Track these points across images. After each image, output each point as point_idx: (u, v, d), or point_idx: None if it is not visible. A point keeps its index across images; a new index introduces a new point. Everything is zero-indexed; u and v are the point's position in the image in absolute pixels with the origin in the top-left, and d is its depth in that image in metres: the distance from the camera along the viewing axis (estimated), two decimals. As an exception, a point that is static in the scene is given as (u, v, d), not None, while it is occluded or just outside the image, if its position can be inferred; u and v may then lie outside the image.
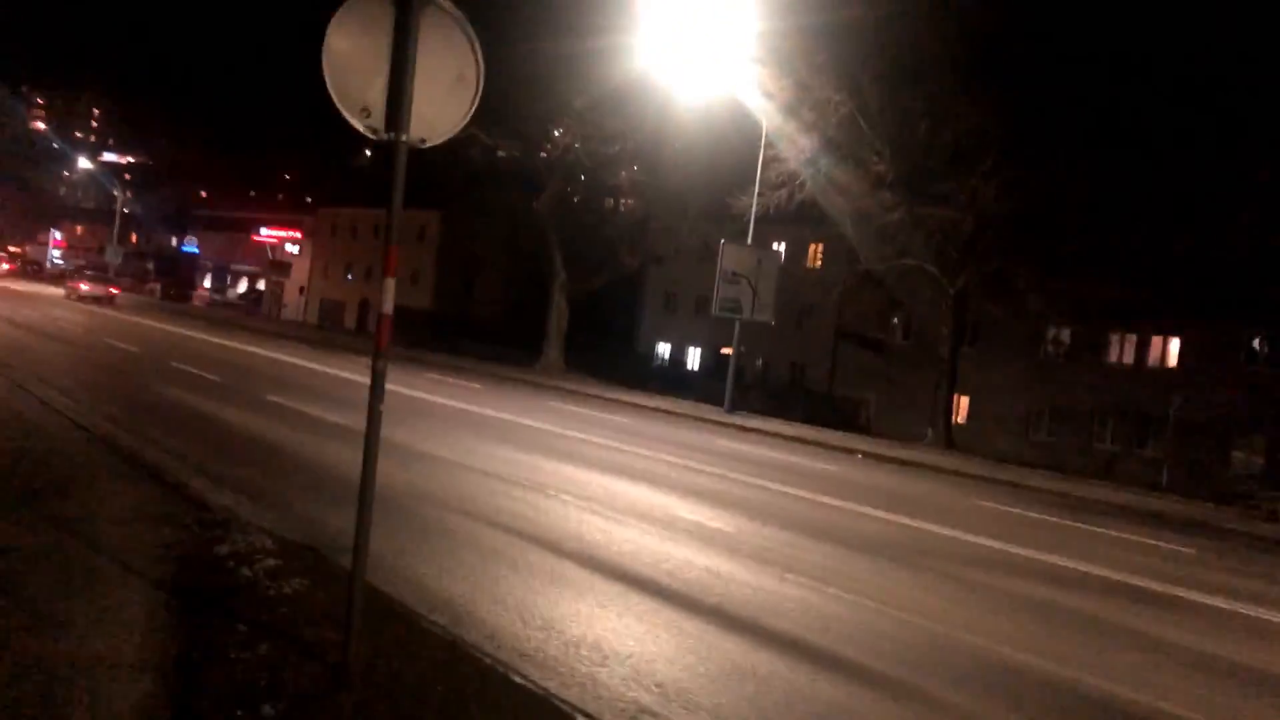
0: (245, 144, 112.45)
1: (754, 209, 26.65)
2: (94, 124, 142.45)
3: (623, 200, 34.14)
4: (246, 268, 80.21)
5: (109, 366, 20.93)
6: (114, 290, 54.11)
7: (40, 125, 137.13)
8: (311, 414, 16.42)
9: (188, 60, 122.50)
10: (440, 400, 21.94)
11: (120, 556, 6.40)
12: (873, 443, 25.38)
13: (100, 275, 57.87)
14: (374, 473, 4.86)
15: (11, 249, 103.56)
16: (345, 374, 25.93)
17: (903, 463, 21.70)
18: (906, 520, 13.39)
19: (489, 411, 20.67)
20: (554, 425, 19.66)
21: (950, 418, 27.28)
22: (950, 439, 26.74)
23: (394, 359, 27.19)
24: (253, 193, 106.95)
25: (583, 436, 18.38)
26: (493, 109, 32.61)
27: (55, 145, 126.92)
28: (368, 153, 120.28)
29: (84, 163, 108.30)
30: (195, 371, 21.03)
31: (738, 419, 26.97)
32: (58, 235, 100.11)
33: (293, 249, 71.98)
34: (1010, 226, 22.47)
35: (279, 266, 67.79)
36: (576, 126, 30.12)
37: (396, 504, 10.26)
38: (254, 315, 70.15)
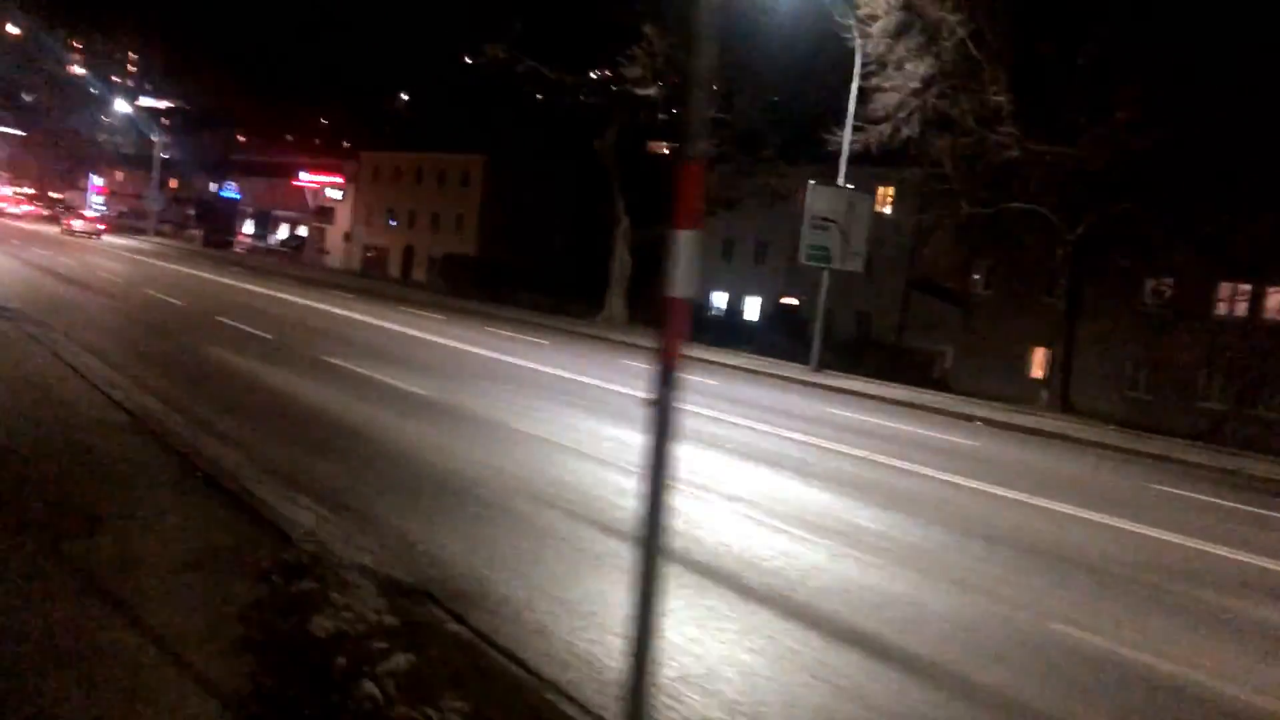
0: (283, 88, 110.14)
1: (845, 146, 24.03)
2: (131, 68, 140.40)
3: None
4: (287, 213, 78.33)
5: (152, 323, 18.98)
6: (101, 226, 62.10)
7: (77, 70, 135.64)
8: (377, 380, 14.34)
9: (224, 3, 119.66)
10: (508, 359, 19.83)
11: (172, 646, 4.30)
12: (980, 405, 22.98)
13: (89, 213, 67.67)
14: (655, 602, 2.69)
15: (52, 195, 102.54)
16: (404, 328, 23.89)
17: (1028, 431, 19.32)
18: (1090, 515, 11.09)
19: (563, 373, 18.54)
20: (634, 389, 17.50)
21: (1068, 377, 24.75)
22: (1067, 400, 24.26)
23: (445, 309, 24.93)
24: (290, 137, 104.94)
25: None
26: (554, 37, 30.17)
27: (93, 90, 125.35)
28: (404, 96, 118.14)
29: (122, 107, 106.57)
30: (244, 328, 19.04)
31: (826, 378, 24.66)
32: (97, 181, 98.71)
33: (335, 194, 69.86)
34: (1149, 164, 19.75)
35: (322, 212, 65.80)
36: (645, 56, 27.51)
37: (489, 499, 8.18)
38: (296, 262, 68.43)
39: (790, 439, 14.09)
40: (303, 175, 71.05)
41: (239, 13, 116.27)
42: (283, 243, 78.40)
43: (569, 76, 30.13)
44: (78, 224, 60.40)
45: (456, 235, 60.89)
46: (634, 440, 11.82)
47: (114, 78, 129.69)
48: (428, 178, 63.64)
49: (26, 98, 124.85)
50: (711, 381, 20.94)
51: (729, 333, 43.21)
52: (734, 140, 29.54)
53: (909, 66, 21.27)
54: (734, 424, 14.75)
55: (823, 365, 25.86)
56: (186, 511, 6.48)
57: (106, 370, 11.97)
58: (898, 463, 13.12)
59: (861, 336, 44.68)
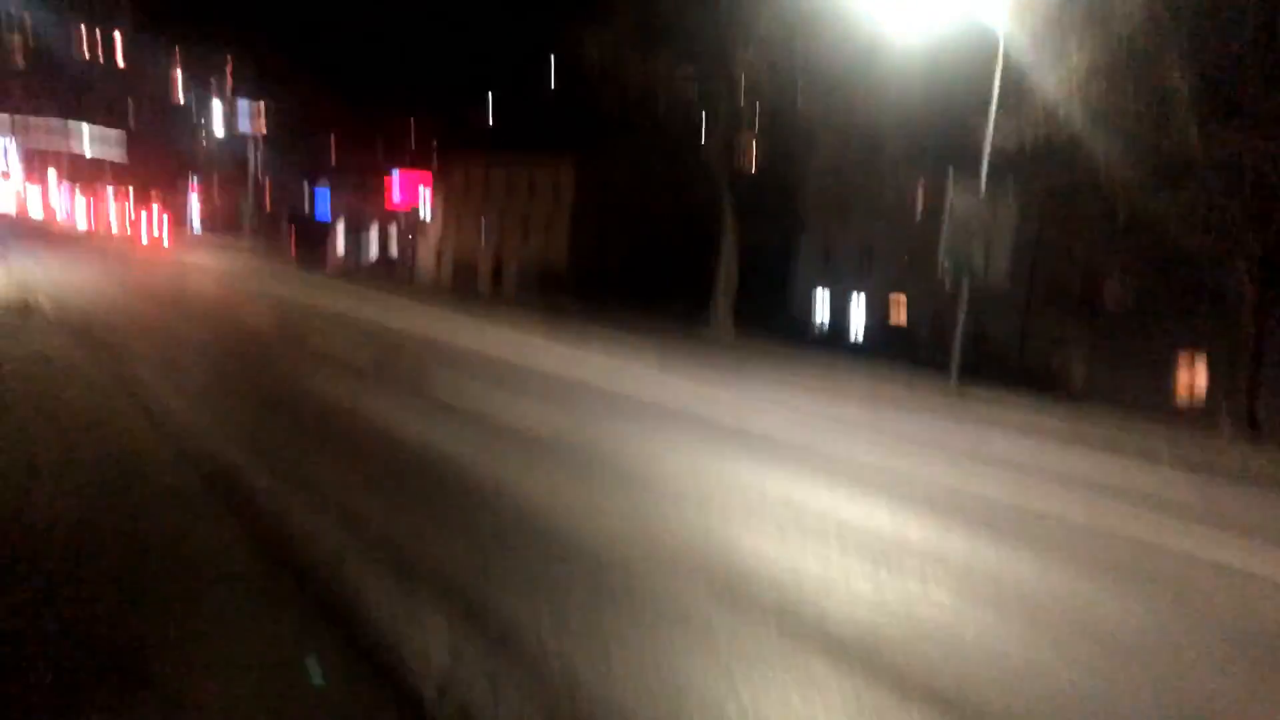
0: (373, 100, 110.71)
1: (988, 146, 21.48)
2: (230, 82, 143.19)
3: (809, 140, 29.09)
4: (377, 222, 78.11)
5: (239, 348, 17.47)
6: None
7: (179, 82, 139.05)
8: (488, 414, 12.44)
9: (318, 17, 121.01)
10: (621, 383, 17.83)
11: None
12: (1151, 432, 20.14)
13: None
14: None
15: (154, 204, 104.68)
16: (505, 347, 22.10)
17: (1218, 471, 16.54)
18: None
19: (685, 400, 16.46)
20: (772, 416, 15.31)
21: (1255, 393, 21.66)
22: (1255, 423, 21.21)
23: (544, 324, 22.93)
24: (381, 147, 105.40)
25: (822, 440, 14.00)
26: (662, 27, 28.17)
27: (194, 102, 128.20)
28: (489, 103, 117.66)
29: (221, 118, 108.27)
30: (339, 353, 17.41)
31: (967, 398, 22.11)
32: (194, 190, 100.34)
33: (425, 205, 69.23)
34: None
35: (414, 223, 65.04)
36: (762, 50, 25.29)
37: (662, 595, 6.11)
38: (385, 272, 67.88)
39: (959, 481, 11.74)
40: (393, 184, 70.54)
41: (332, 25, 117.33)
42: (374, 258, 78.19)
43: (676, 72, 28.06)
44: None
45: (546, 243, 59.47)
46: (809, 497, 9.64)
47: (214, 91, 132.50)
48: (517, 185, 62.40)
49: (132, 110, 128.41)
50: (849, 409, 18.63)
51: (835, 343, 40.78)
52: (854, 140, 27.15)
53: (1073, 56, 18.66)
54: (891, 462, 12.45)
55: (925, 371, 23.30)
56: (271, 642, 4.53)
57: (184, 407, 10.29)
58: (1098, 516, 10.67)
59: (976, 346, 41.72)
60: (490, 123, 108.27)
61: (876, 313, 46.30)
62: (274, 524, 6.32)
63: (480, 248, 64.40)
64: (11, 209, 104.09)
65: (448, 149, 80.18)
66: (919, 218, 43.23)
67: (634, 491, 9.26)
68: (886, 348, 39.51)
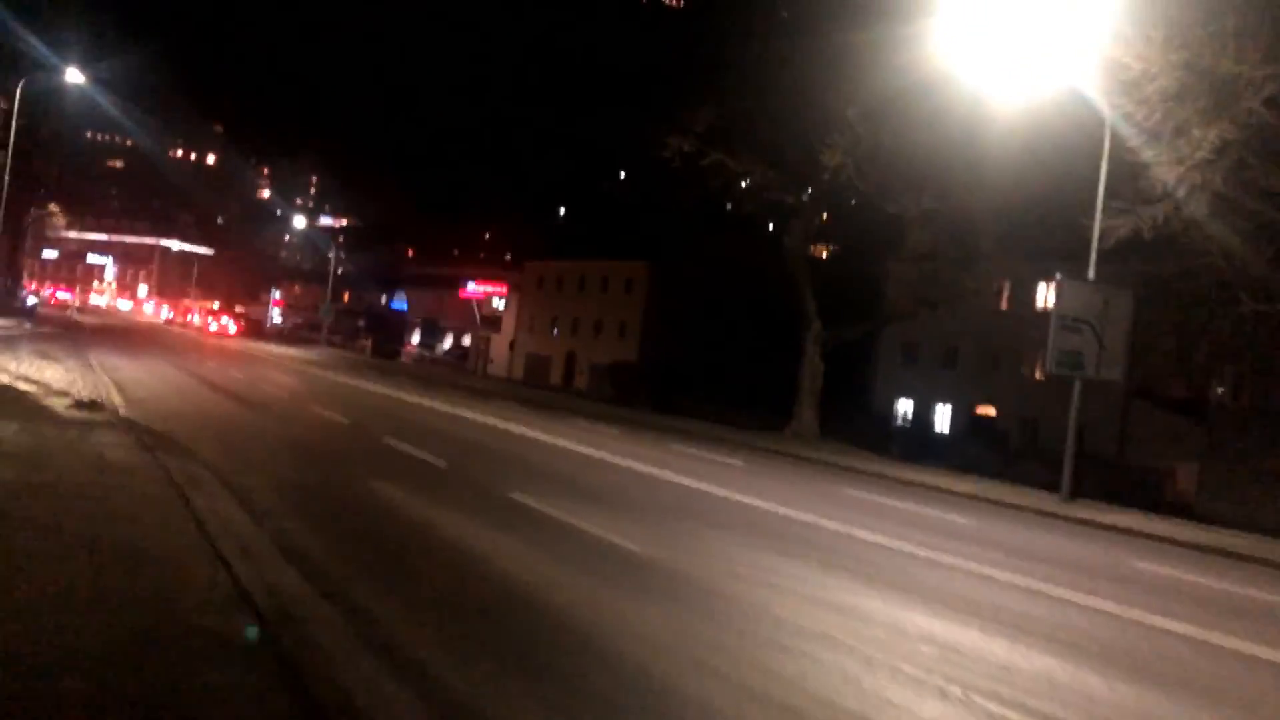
0: (449, 205, 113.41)
1: (1096, 233, 20.03)
2: (312, 190, 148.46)
3: (899, 231, 27.86)
4: (453, 323, 78.65)
5: (311, 448, 16.52)
6: (234, 328, 75.23)
7: (265, 194, 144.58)
8: (571, 525, 11.13)
9: (397, 132, 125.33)
10: (706, 488, 16.42)
11: None
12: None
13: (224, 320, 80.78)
14: None
15: (238, 309, 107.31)
16: (581, 447, 20.89)
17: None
18: None
19: (777, 508, 14.97)
20: (873, 531, 13.71)
21: None
22: None
23: (619, 422, 21.47)
24: (456, 251, 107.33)
25: (926, 554, 12.36)
26: (743, 126, 27.52)
27: (277, 211, 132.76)
28: (561, 210, 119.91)
29: (301, 226, 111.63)
30: (413, 452, 16.35)
31: (1082, 510, 20.15)
32: (277, 295, 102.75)
33: (499, 304, 69.49)
34: None
35: (489, 322, 65.15)
36: (847, 141, 24.33)
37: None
38: (460, 371, 67.79)
39: (1104, 612, 9.99)
40: (469, 286, 71.08)
41: (409, 139, 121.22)
42: (447, 352, 78.50)
43: (758, 167, 27.23)
44: (214, 326, 77.83)
45: (619, 342, 58.85)
46: (958, 638, 8.04)
47: (296, 200, 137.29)
48: (590, 285, 62.27)
49: (219, 220, 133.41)
50: (959, 519, 16.89)
51: (918, 446, 38.69)
52: (945, 230, 25.85)
53: (1195, 133, 17.25)
54: (1018, 587, 10.76)
55: (1008, 477, 21.32)
56: None
57: (242, 521, 9.18)
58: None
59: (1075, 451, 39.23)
60: (563, 226, 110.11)
61: (964, 410, 44.23)
62: (340, 699, 5.04)
63: (553, 345, 64.09)
64: (107, 311, 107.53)
65: (522, 250, 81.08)
66: (1008, 311, 41.55)
67: (730, 624, 7.78)
68: (974, 448, 37.39)
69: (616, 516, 12.28)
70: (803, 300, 30.00)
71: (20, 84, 35.74)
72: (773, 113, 26.14)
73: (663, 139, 27.08)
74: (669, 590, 8.73)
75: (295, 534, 9.23)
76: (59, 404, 15.74)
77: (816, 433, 29.94)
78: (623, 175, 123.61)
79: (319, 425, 19.76)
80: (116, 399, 18.91)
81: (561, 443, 21.54)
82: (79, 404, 15.98)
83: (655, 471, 18.17)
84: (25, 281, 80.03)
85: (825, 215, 30.29)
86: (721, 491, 16.23)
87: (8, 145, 36.70)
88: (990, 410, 42.78)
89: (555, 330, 64.66)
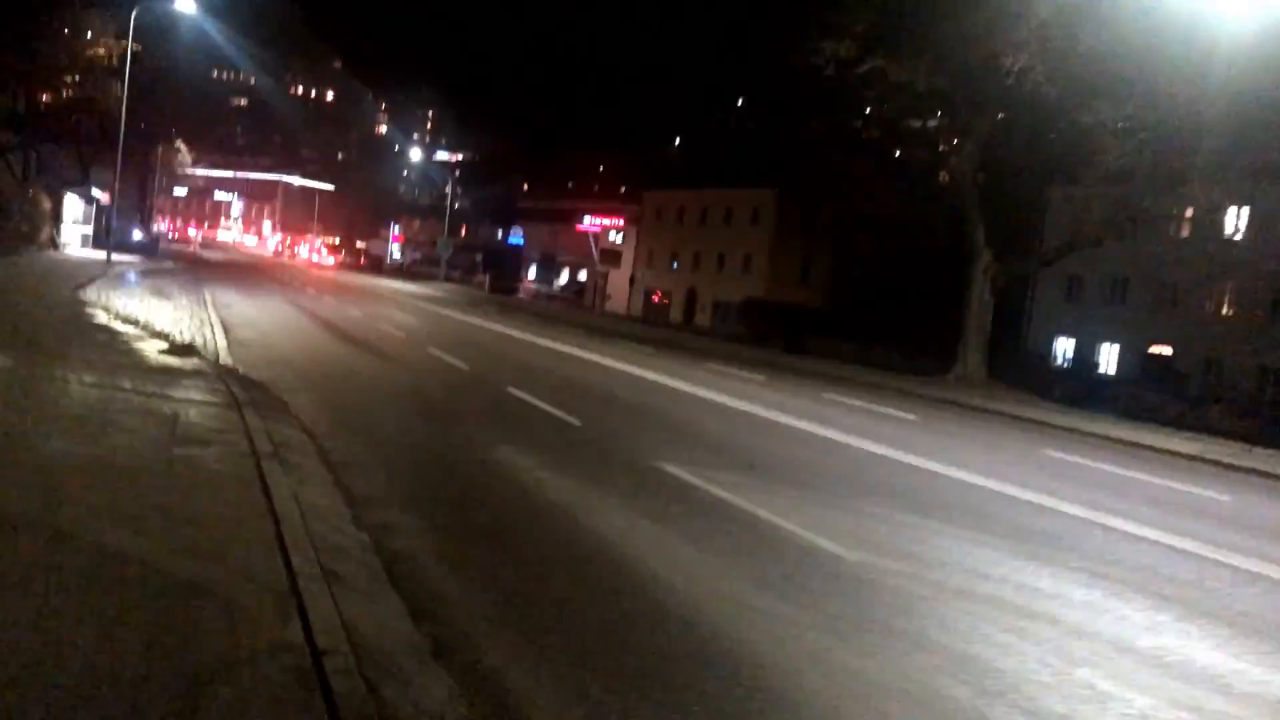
0: (564, 137, 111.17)
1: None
2: (428, 126, 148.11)
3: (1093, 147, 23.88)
4: (570, 258, 76.75)
5: (428, 402, 14.40)
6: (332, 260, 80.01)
7: (382, 129, 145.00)
8: (741, 509, 8.64)
9: (510, 65, 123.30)
10: (888, 452, 13.70)
11: None
12: None
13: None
14: None
15: (359, 244, 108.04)
16: (727, 397, 18.36)
17: None
18: None
19: (977, 479, 12.17)
20: (1113, 514, 10.80)
21: None
22: None
23: (760, 366, 17.84)
24: (570, 184, 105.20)
25: (1199, 550, 9.45)
26: (916, 28, 23.97)
27: (395, 147, 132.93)
28: (676, 141, 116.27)
29: (418, 161, 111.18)
30: (541, 406, 14.09)
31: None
32: (397, 230, 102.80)
33: (616, 238, 67.04)
34: None
35: (609, 256, 62.73)
36: (1036, 43, 20.64)
37: None
38: (577, 307, 65.97)
39: None
40: (586, 220, 68.74)
41: (522, 71, 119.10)
42: (564, 288, 76.82)
43: (922, 73, 23.68)
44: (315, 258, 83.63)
45: (743, 277, 55.75)
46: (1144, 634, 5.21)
47: (413, 135, 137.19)
48: (713, 217, 59.11)
49: (339, 156, 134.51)
50: (1211, 495, 13.75)
51: (1084, 389, 34.77)
52: (1148, 148, 21.96)
53: None
54: None
55: (1185, 426, 17.74)
56: None
57: (336, 517, 6.97)
58: None
59: (1267, 398, 34.75)
60: (678, 157, 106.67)
61: (1135, 350, 39.80)
62: None
63: (673, 280, 61.44)
64: (232, 245, 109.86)
65: (637, 183, 78.25)
66: (1189, 239, 36.86)
67: (1001, 685, 5.13)
68: (1150, 392, 33.28)
69: (794, 496, 9.74)
70: (971, 229, 26.47)
71: (134, 13, 34.48)
72: (945, 7, 22.50)
73: (814, 45, 23.76)
74: (915, 634, 6.12)
75: (403, 534, 6.97)
76: (151, 349, 13.97)
77: (985, 377, 26.68)
78: (740, 103, 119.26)
79: (437, 372, 17.72)
80: (220, 341, 17.22)
81: (702, 393, 19.03)
82: (174, 348, 14.20)
83: (818, 430, 15.51)
84: (157, 218, 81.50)
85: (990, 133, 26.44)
86: (906, 457, 13.48)
87: (124, 78, 35.70)
88: (1165, 350, 38.32)
89: (675, 265, 61.90)
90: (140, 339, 14.99)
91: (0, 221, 34.04)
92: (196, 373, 12.38)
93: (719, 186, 58.54)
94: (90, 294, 21.97)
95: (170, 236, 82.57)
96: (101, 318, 17.20)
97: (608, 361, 23.04)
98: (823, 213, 52.48)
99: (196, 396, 10.59)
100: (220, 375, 12.47)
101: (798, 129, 42.63)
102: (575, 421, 12.96)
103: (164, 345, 14.48)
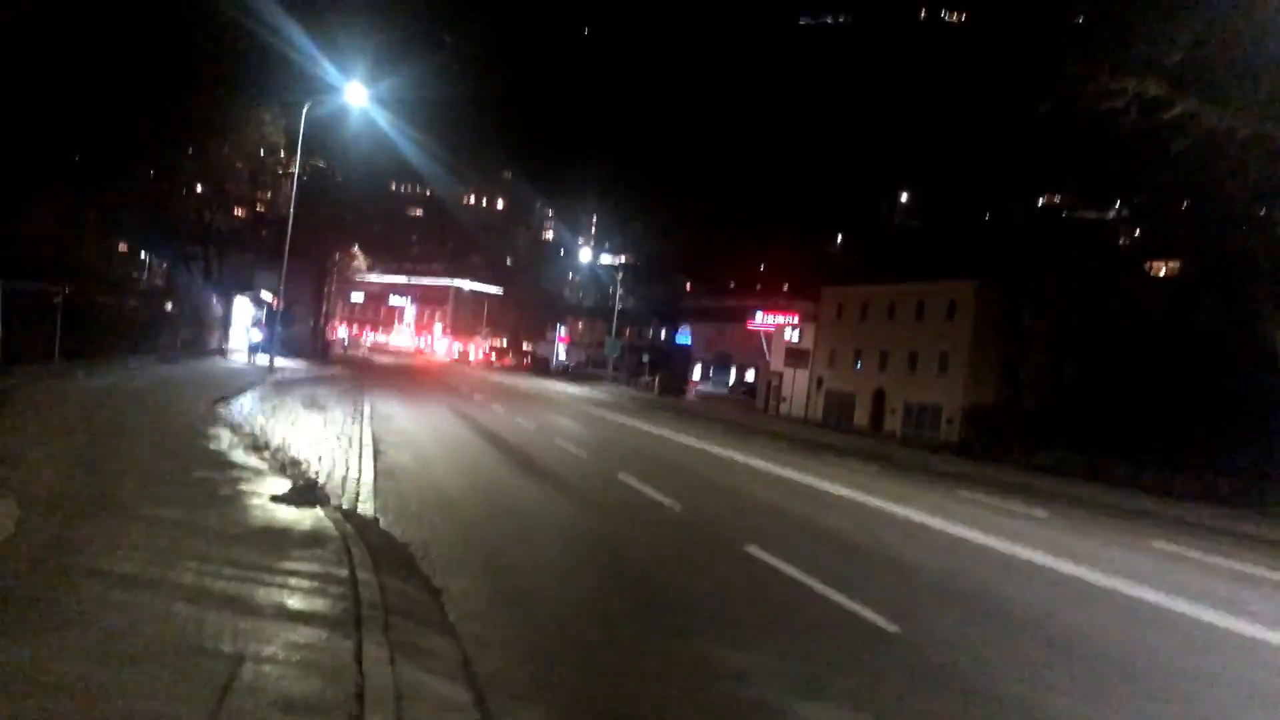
0: (724, 236, 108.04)
1: None
2: (591, 230, 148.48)
3: None
4: (738, 358, 72.17)
5: (639, 577, 9.76)
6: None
7: (549, 234, 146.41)
8: None
9: (670, 166, 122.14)
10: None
11: None
12: None
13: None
14: None
15: (525, 346, 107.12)
16: (1019, 548, 12.97)
17: None
18: None
19: None
20: None
21: None
22: None
23: (1018, 493, 12.09)
24: (731, 284, 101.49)
25: None
26: (1243, 58, 18.58)
27: (560, 251, 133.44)
28: (839, 238, 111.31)
29: (584, 262, 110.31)
30: (807, 582, 9.23)
31: None
32: (562, 331, 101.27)
33: (792, 335, 62.10)
34: None
35: (795, 356, 57.56)
36: None
37: None
38: (750, 409, 61.00)
39: None
40: (758, 317, 64.24)
41: (681, 172, 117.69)
42: (733, 389, 72.16)
43: (1254, 117, 18.08)
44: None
45: (939, 377, 49.62)
46: None
47: (578, 239, 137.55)
48: (902, 312, 53.45)
49: (507, 261, 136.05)
50: None
51: None
52: None
53: None
54: None
55: None
56: None
57: None
58: None
59: None
60: (840, 254, 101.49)
61: None
62: None
63: (857, 381, 55.78)
64: (402, 347, 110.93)
65: (805, 278, 73.56)
66: None
67: None
68: None
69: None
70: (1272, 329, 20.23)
71: (305, 109, 32.78)
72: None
73: (1106, 85, 18.55)
74: None
75: None
76: (265, 493, 9.94)
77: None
78: (904, 198, 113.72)
79: (639, 515, 13.10)
80: (364, 472, 13.20)
81: (974, 535, 13.68)
82: (296, 491, 10.12)
83: (1194, 611, 9.96)
84: (333, 323, 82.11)
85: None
86: None
87: (294, 178, 33.96)
88: None
89: (859, 365, 56.32)
90: (257, 476, 11.03)
91: (167, 328, 32.32)
92: (313, 539, 8.14)
93: (908, 280, 53.11)
94: (231, 409, 18.66)
95: (343, 343, 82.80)
96: (223, 442, 13.50)
97: (849, 493, 17.86)
98: (1039, 301, 46.10)
99: (294, 602, 6.24)
100: (347, 543, 8.18)
101: (1005, 212, 37.07)
102: (888, 625, 7.97)
103: (285, 486, 10.46)
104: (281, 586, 6.54)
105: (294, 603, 6.21)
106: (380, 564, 7.72)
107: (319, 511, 9.50)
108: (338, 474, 12.64)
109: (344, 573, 7.21)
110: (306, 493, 10.12)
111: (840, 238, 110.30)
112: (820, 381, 56.89)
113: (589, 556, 10.01)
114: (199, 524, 8.09)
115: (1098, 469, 33.05)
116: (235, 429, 15.21)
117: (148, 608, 5.67)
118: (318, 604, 6.27)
